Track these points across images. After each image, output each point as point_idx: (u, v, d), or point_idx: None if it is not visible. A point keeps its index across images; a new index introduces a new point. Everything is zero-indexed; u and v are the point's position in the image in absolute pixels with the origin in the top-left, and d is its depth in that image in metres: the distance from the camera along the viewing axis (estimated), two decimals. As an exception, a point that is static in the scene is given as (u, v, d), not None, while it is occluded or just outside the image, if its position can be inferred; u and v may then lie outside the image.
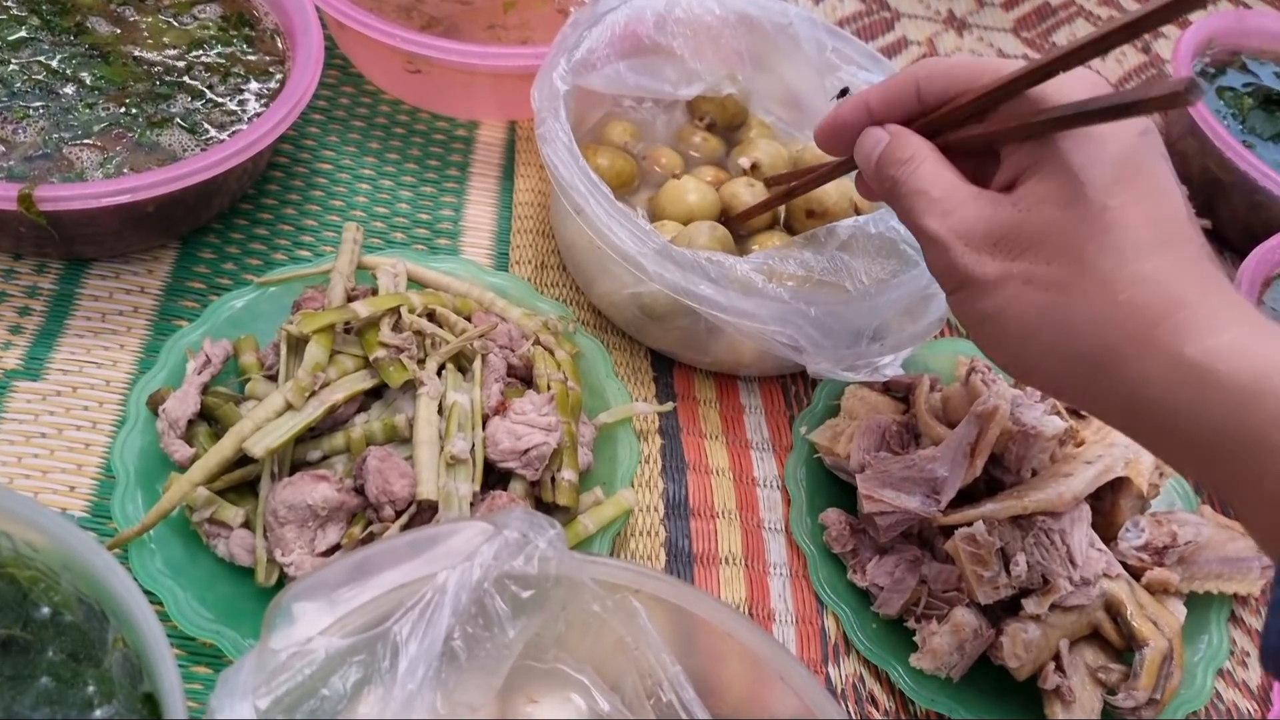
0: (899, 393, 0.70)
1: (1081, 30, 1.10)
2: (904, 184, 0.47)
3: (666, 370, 0.70)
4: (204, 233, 0.70)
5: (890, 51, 1.02)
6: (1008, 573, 0.59)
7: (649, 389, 0.69)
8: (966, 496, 0.62)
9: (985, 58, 0.59)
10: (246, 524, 0.56)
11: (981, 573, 0.59)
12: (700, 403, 0.69)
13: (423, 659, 0.43)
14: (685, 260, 0.60)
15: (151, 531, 0.54)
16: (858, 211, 0.73)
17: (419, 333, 0.60)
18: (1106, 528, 0.64)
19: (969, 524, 0.60)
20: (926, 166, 0.47)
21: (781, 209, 0.75)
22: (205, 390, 0.60)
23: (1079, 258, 0.42)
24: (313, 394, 0.56)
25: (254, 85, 0.70)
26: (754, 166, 0.75)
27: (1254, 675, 0.65)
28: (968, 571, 0.59)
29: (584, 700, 0.49)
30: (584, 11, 0.72)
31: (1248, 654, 0.66)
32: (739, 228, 0.71)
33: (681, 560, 0.61)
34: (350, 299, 0.64)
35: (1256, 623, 0.68)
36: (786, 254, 0.63)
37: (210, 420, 0.59)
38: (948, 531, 0.61)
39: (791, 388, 0.71)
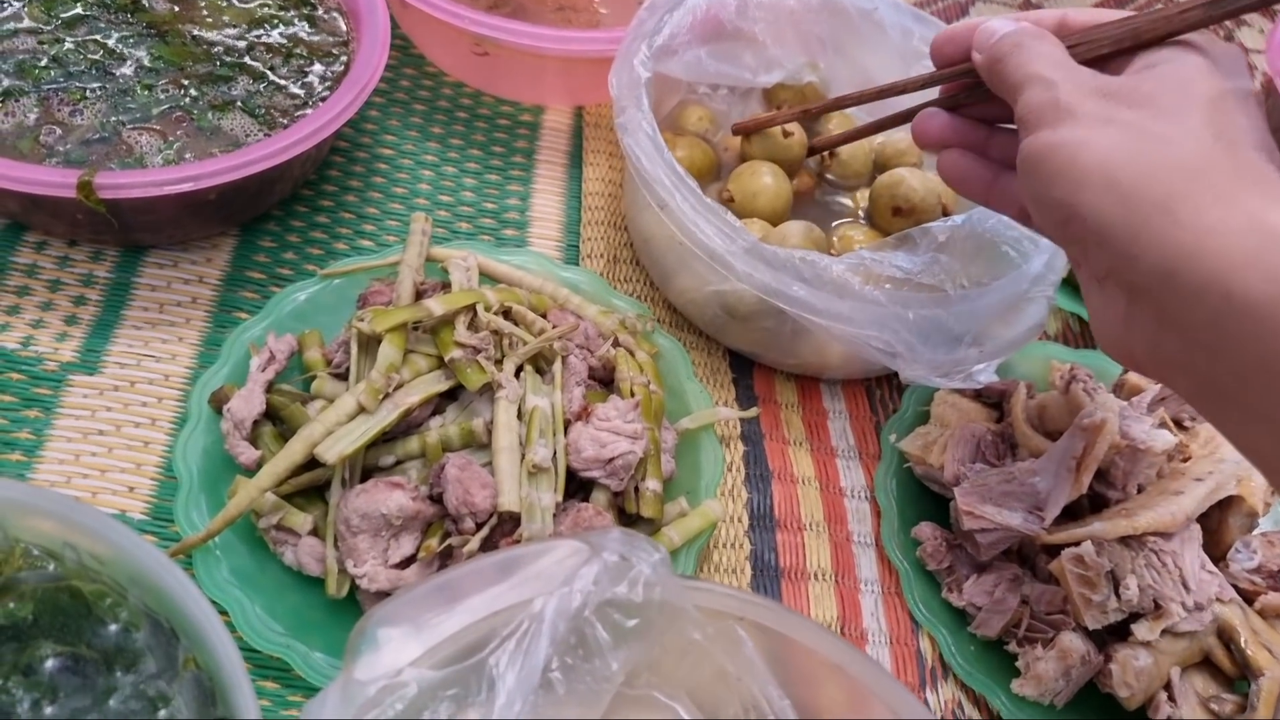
0: (992, 399, 0.66)
1: (1161, 16, 1.05)
2: (1024, 47, 0.46)
3: (746, 371, 0.67)
4: (264, 220, 0.67)
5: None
6: (1117, 596, 0.55)
7: (728, 391, 0.65)
8: (1069, 513, 0.59)
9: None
10: (315, 531, 0.53)
11: (1090, 596, 0.55)
12: (782, 406, 0.66)
13: (520, 693, 0.40)
14: (777, 260, 0.57)
15: (217, 538, 0.52)
16: (945, 210, 0.69)
17: (496, 332, 0.56)
18: (1214, 547, 0.61)
19: (1075, 543, 0.56)
20: (1049, 43, 0.46)
21: (862, 200, 0.72)
22: (270, 388, 0.57)
23: (1183, 122, 0.41)
24: (386, 396, 0.53)
25: (317, 67, 0.67)
26: (831, 155, 0.72)
27: (1368, 706, 0.62)
28: (1074, 594, 0.56)
29: (680, 729, 0.46)
30: (661, -7, 0.69)
31: (1360, 683, 0.62)
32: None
33: (768, 575, 0.58)
34: (419, 294, 0.61)
35: (1366, 648, 0.64)
36: (882, 255, 0.59)
37: (275, 420, 0.56)
38: (1051, 550, 0.58)
39: (877, 391, 0.68)
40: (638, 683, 0.47)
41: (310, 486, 0.54)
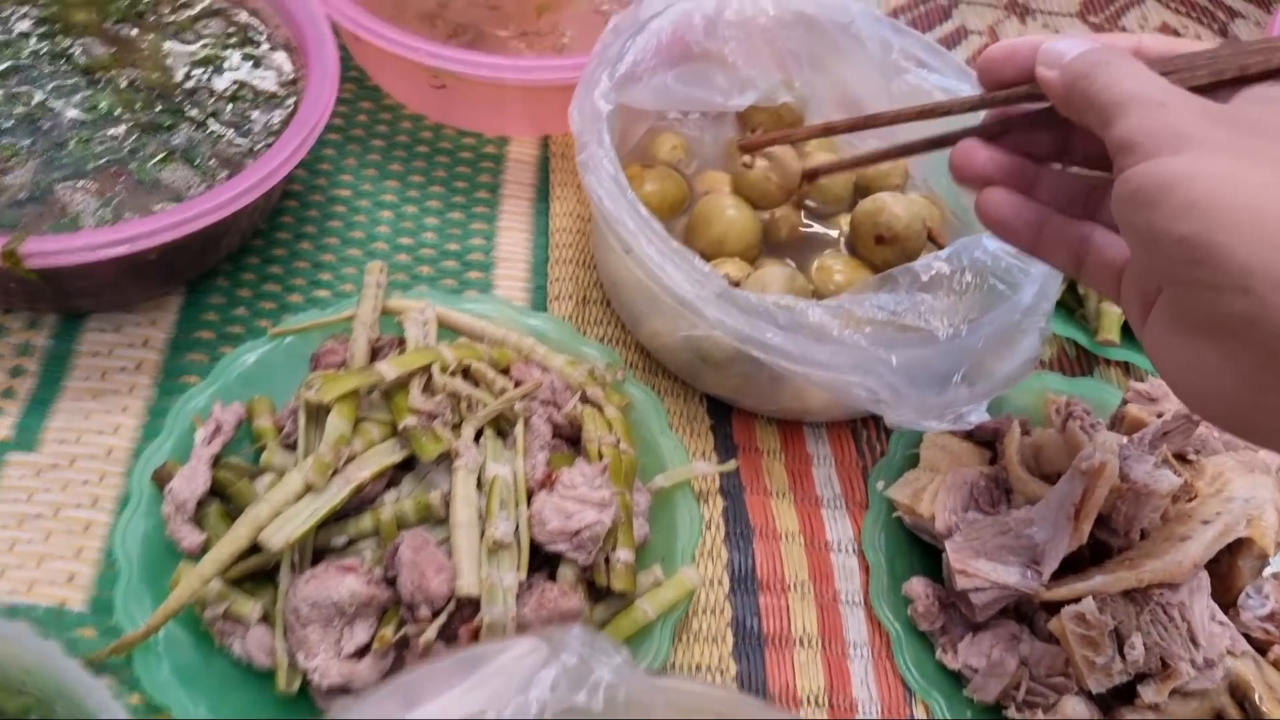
0: (985, 438, 0.63)
1: (1152, 13, 1.01)
2: (1118, 65, 0.40)
3: (724, 418, 0.63)
4: (212, 275, 0.64)
5: (949, 42, 0.94)
6: (1122, 657, 0.52)
7: (706, 440, 0.62)
8: (1069, 564, 0.55)
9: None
10: (265, 618, 0.50)
11: (1093, 658, 0.52)
12: (764, 454, 0.62)
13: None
14: (750, 305, 0.54)
15: (159, 632, 0.48)
16: (932, 236, 0.66)
17: (454, 394, 0.53)
18: (1224, 593, 0.57)
19: (1076, 599, 0.53)
20: (1138, 67, 0.40)
21: (844, 225, 0.68)
22: (216, 462, 0.54)
23: None
24: (336, 471, 0.50)
25: (262, 111, 0.63)
26: (810, 181, 0.68)
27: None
28: (1077, 656, 0.52)
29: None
30: (624, 17, 0.65)
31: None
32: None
33: (750, 643, 0.55)
34: (375, 351, 0.58)
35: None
36: (863, 297, 0.56)
37: (223, 497, 0.53)
38: (1050, 607, 0.55)
39: (863, 433, 0.64)
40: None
41: (259, 570, 0.51)
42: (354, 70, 0.76)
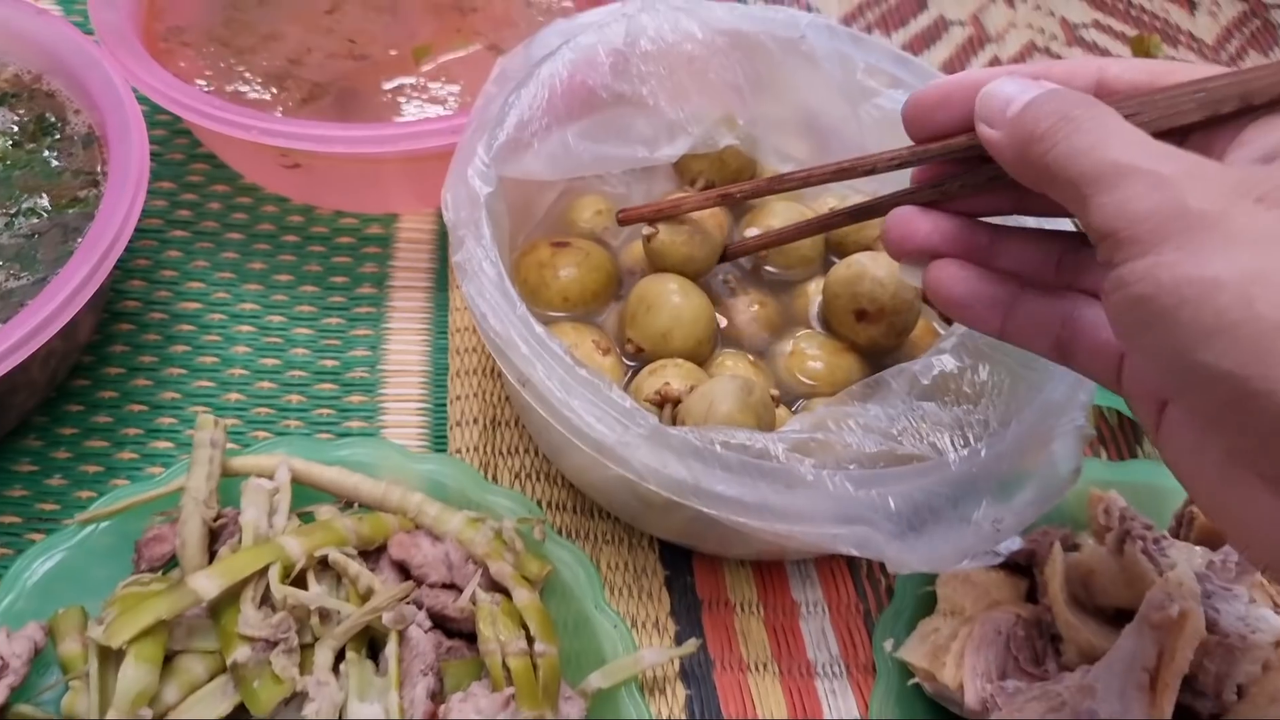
0: (1018, 561, 0.49)
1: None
2: (1084, 121, 0.30)
3: (683, 565, 0.50)
4: (19, 435, 0.50)
5: (927, 39, 0.80)
6: None
7: (661, 600, 0.48)
8: (1145, 741, 0.41)
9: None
10: None
11: None
12: (736, 608, 0.48)
13: None
14: (690, 448, 0.40)
15: None
16: (928, 303, 0.52)
17: (299, 607, 0.39)
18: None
19: (1162, 803, 0.39)
20: (1113, 121, 0.30)
21: (815, 298, 0.54)
22: (4, 714, 0.40)
23: None
24: (138, 741, 0.36)
25: (56, 224, 0.49)
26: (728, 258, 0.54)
27: None
28: None
29: None
30: (510, 60, 0.51)
31: None
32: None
33: None
34: (215, 534, 0.44)
35: None
36: (843, 415, 0.42)
37: (10, 765, 0.39)
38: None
39: (862, 565, 0.51)
40: None
41: None
42: (204, 148, 0.62)
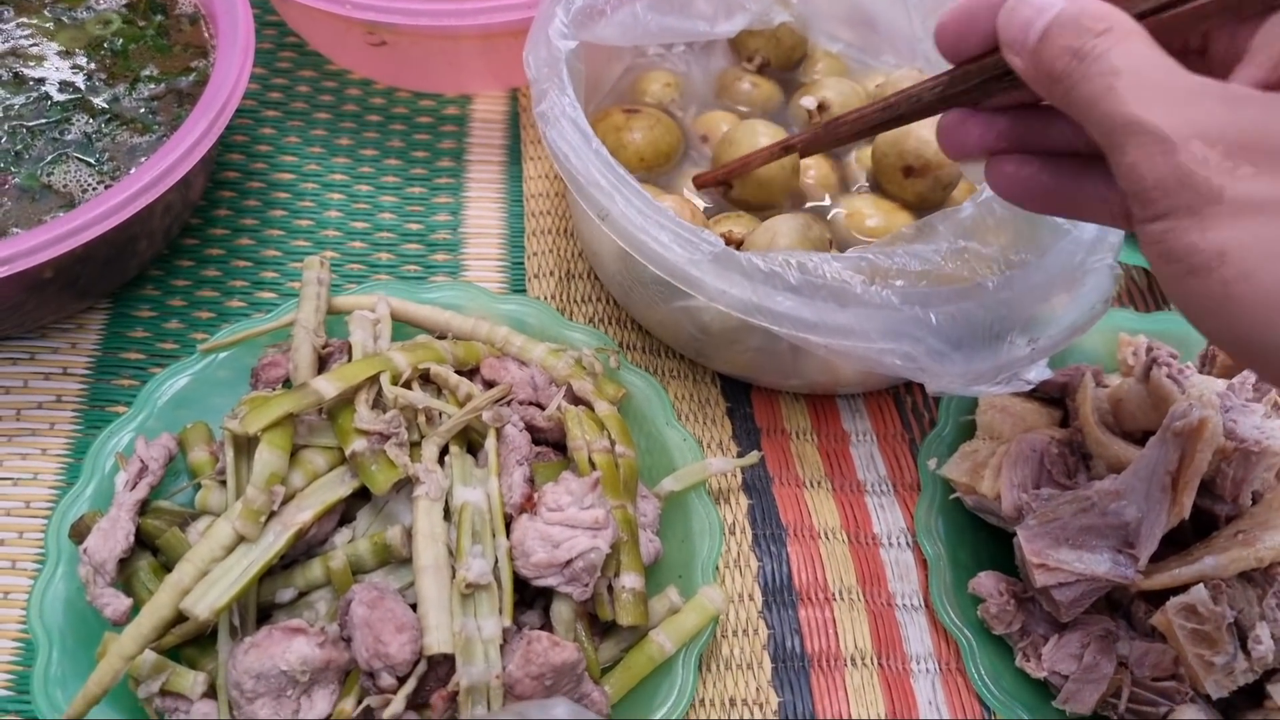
0: (1052, 395, 0.53)
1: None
2: (1095, 61, 0.31)
3: (742, 398, 0.54)
4: (139, 284, 0.56)
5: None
6: (1246, 653, 0.43)
7: (722, 427, 0.53)
8: (1169, 541, 0.46)
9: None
10: (211, 691, 0.42)
11: (1210, 657, 0.43)
12: (791, 436, 0.53)
13: None
14: (753, 268, 0.44)
15: (92, 715, 0.40)
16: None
17: (408, 408, 0.44)
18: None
19: (1183, 587, 0.44)
20: (1133, 42, 0.31)
21: (866, 163, 0.58)
22: (144, 509, 0.45)
23: None
24: (272, 515, 0.41)
25: (170, 90, 0.54)
26: (821, 108, 0.58)
27: None
28: (1189, 655, 0.43)
29: None
30: (584, -62, 0.55)
31: None
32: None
33: (793, 666, 0.46)
34: (323, 360, 0.49)
35: None
36: (893, 249, 0.46)
37: (155, 550, 0.45)
38: (1150, 596, 0.45)
39: (907, 400, 0.55)
40: None
41: (201, 634, 0.42)
42: (291, 36, 0.67)
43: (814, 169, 0.58)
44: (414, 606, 0.41)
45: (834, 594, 0.48)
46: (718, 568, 0.46)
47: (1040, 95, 0.33)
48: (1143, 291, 0.62)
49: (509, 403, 0.48)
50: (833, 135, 0.47)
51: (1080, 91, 0.31)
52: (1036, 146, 0.38)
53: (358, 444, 0.43)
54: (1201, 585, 0.43)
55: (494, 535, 0.42)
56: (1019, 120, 0.38)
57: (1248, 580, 0.44)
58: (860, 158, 0.59)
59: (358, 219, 0.60)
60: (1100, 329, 0.56)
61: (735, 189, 0.55)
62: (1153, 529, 0.45)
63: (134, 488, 0.45)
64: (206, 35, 0.56)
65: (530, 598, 0.44)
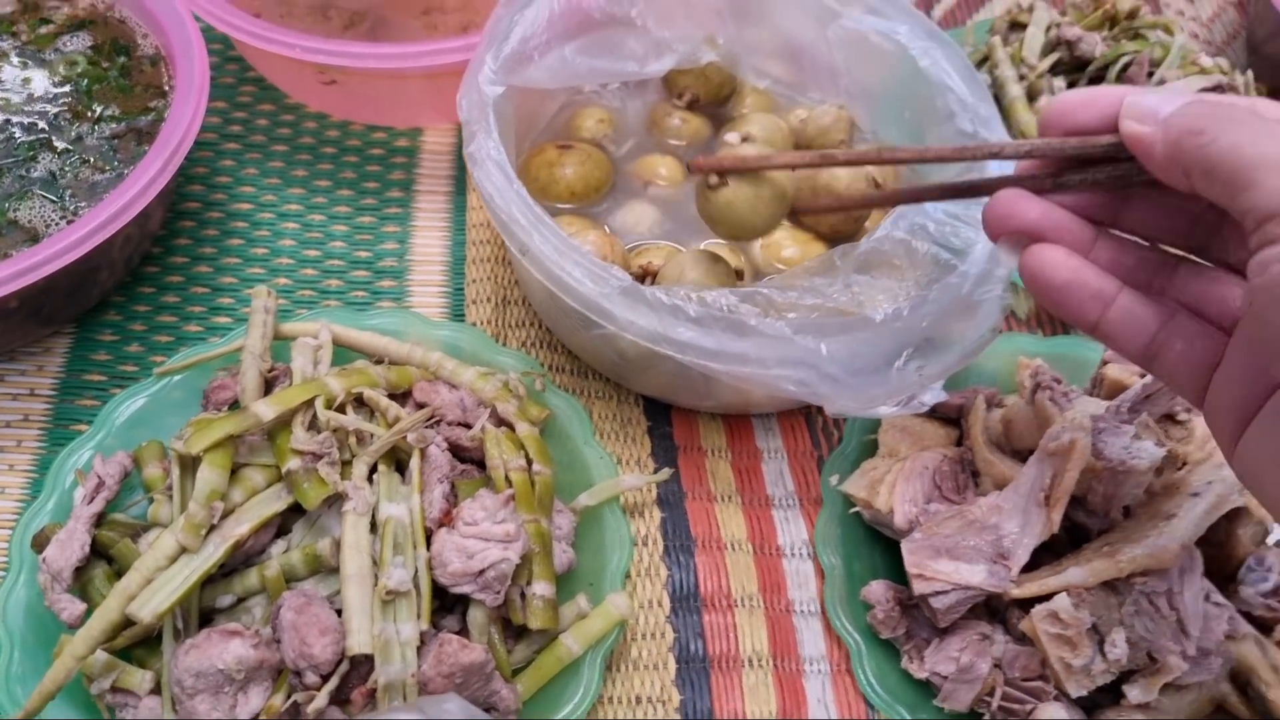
0: (950, 415, 0.57)
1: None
2: (1237, 123, 0.33)
3: (663, 417, 0.58)
4: (102, 311, 0.59)
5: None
6: (1103, 656, 0.47)
7: (642, 445, 0.57)
8: (1046, 551, 0.50)
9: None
10: (158, 687, 0.46)
11: (1070, 659, 0.47)
12: (707, 453, 0.57)
13: None
14: (657, 301, 0.48)
15: (49, 709, 0.45)
16: (879, 189, 0.60)
17: (339, 430, 0.48)
18: (1223, 564, 0.51)
19: (1049, 596, 0.47)
20: (1266, 120, 0.33)
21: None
22: (100, 521, 0.49)
23: None
24: (213, 528, 0.45)
25: (130, 129, 0.58)
26: (745, 141, 0.62)
27: None
28: (1052, 658, 0.47)
29: None
30: (519, -14, 0.59)
31: None
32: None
33: (694, 667, 0.50)
34: (270, 383, 0.53)
35: None
36: (789, 282, 0.50)
37: (109, 559, 0.49)
38: (1025, 604, 0.49)
39: (817, 419, 0.59)
40: None
41: (148, 636, 0.46)
42: (252, 71, 0.71)
43: (737, 201, 0.62)
44: (340, 612, 0.45)
45: (736, 601, 0.52)
46: (627, 576, 0.50)
47: (1153, 156, 0.35)
48: (1048, 314, 0.66)
49: (437, 423, 0.52)
50: (888, 158, 0.45)
51: (1227, 137, 0.32)
52: (1083, 249, 0.39)
53: (293, 463, 0.47)
54: (1065, 594, 0.47)
55: (415, 547, 0.46)
56: (1072, 222, 0.39)
57: (1109, 589, 0.48)
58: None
59: (310, 247, 0.64)
60: (1002, 353, 0.61)
61: (727, 190, 0.55)
62: (1026, 542, 0.49)
63: (91, 502, 0.49)
64: (165, 77, 0.60)
65: (451, 603, 0.48)
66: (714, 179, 0.49)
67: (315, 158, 0.68)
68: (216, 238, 0.63)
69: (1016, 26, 0.74)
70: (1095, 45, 0.71)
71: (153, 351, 0.59)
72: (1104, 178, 0.38)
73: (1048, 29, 0.72)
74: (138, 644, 0.46)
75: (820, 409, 0.60)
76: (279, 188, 0.66)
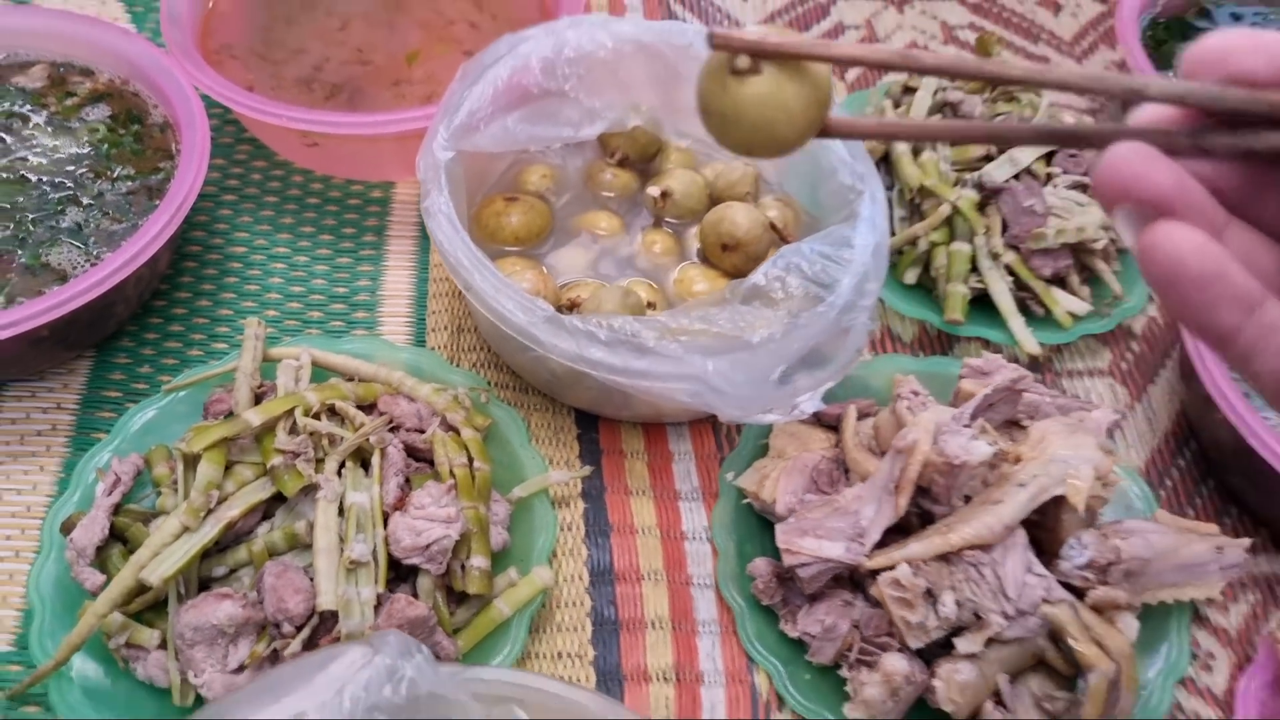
0: (830, 423, 0.68)
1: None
2: None
3: (591, 426, 0.69)
4: (118, 338, 0.70)
5: (828, 39, 0.98)
6: (936, 614, 0.57)
7: (573, 448, 0.68)
8: (899, 531, 0.60)
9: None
10: (164, 643, 0.56)
11: (909, 617, 0.57)
12: (627, 455, 0.68)
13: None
14: (574, 327, 0.59)
15: (74, 661, 0.55)
16: (782, 237, 0.71)
17: (314, 434, 0.59)
18: (1051, 543, 0.62)
19: (894, 566, 0.58)
20: None
21: (696, 243, 0.73)
22: (117, 510, 0.60)
23: None
24: (210, 512, 0.56)
25: (143, 186, 0.69)
26: (664, 195, 0.73)
27: (1219, 679, 0.63)
28: (895, 616, 0.57)
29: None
30: (471, 64, 0.71)
31: (1213, 656, 0.64)
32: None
33: (606, 629, 0.60)
34: (259, 397, 0.64)
35: (1224, 620, 0.65)
36: (684, 312, 0.61)
37: (124, 541, 0.59)
38: (878, 574, 0.59)
39: (722, 428, 0.70)
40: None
41: (156, 602, 0.57)
42: (247, 133, 0.82)
43: (659, 243, 0.73)
44: (313, 579, 0.55)
45: (644, 575, 0.62)
46: (553, 554, 0.61)
47: None
48: (932, 340, 0.77)
49: (397, 429, 0.62)
50: (984, 136, 0.36)
51: None
52: (1214, 228, 0.30)
53: (276, 460, 0.57)
54: (905, 564, 0.57)
55: (374, 527, 0.57)
56: (1204, 199, 0.30)
57: (944, 560, 0.58)
58: (695, 234, 0.74)
59: (295, 284, 0.75)
60: (884, 371, 0.72)
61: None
62: (878, 523, 0.59)
63: (110, 494, 0.60)
64: (173, 142, 0.72)
65: (405, 574, 0.58)
66: (744, 61, 0.34)
67: (301, 207, 0.79)
68: (215, 276, 0.74)
69: (909, 90, 0.85)
70: (975, 106, 0.82)
71: (161, 372, 0.69)
72: (1262, 147, 0.30)
73: (935, 92, 0.84)
74: (147, 609, 0.57)
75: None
76: (269, 233, 0.77)
